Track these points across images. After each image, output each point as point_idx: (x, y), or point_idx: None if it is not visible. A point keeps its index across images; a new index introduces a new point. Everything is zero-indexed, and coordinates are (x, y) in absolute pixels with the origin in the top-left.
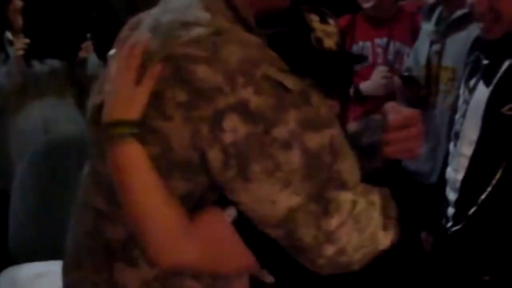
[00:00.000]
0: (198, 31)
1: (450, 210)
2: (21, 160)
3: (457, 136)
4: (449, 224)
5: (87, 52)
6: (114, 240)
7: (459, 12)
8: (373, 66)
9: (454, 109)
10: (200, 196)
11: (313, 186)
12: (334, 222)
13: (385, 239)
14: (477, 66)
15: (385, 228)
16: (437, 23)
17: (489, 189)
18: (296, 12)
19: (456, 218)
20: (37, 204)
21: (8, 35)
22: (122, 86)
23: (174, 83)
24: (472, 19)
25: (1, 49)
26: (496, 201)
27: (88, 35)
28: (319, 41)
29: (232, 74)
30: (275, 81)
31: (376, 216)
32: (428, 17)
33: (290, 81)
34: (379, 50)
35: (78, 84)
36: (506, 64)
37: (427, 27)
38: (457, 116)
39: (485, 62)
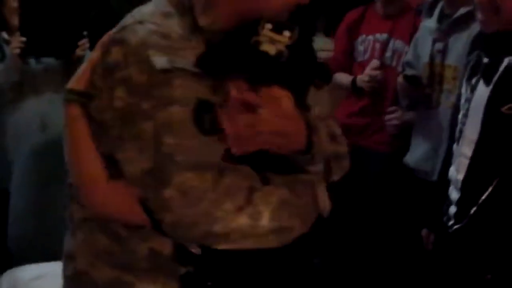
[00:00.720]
0: (127, 20)
1: (452, 209)
2: (19, 158)
3: (459, 135)
4: (451, 222)
5: (84, 50)
6: None
7: (462, 10)
8: (370, 60)
9: (456, 108)
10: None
11: (157, 155)
12: (168, 191)
13: (230, 219)
14: (478, 65)
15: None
16: (439, 20)
17: (490, 188)
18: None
19: (458, 217)
20: (37, 203)
21: (4, 34)
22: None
23: (100, 62)
24: (474, 17)
25: None
26: (497, 200)
27: (85, 33)
28: (257, 43)
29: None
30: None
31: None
32: (429, 13)
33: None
34: (377, 45)
35: None
36: (505, 62)
37: (429, 24)
38: (460, 116)
39: (485, 60)
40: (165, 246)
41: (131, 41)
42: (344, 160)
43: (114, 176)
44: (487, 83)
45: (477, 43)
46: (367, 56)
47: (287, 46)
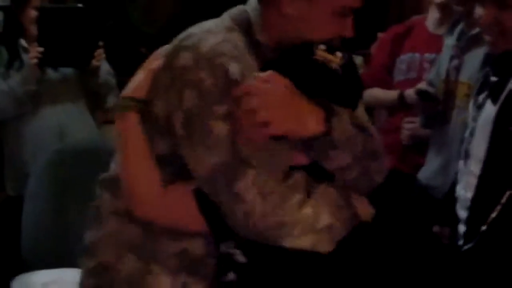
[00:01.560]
0: (193, 30)
1: (461, 228)
2: (35, 167)
3: (466, 154)
4: (461, 242)
5: (99, 60)
6: None
7: (478, 28)
8: (418, 79)
9: (465, 125)
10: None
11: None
12: (241, 185)
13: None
14: (486, 83)
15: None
16: (459, 38)
17: (499, 207)
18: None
19: (467, 236)
20: (50, 211)
21: (23, 42)
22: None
23: (164, 68)
24: None
25: (16, 57)
26: (507, 218)
27: (101, 43)
28: (315, 60)
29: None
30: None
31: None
32: (451, 32)
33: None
34: (426, 65)
35: (91, 92)
36: None
37: (449, 42)
38: (466, 134)
39: (493, 79)
40: (198, 248)
41: (202, 47)
42: (380, 159)
43: (170, 180)
44: (494, 101)
45: (487, 61)
46: (413, 74)
47: (340, 66)
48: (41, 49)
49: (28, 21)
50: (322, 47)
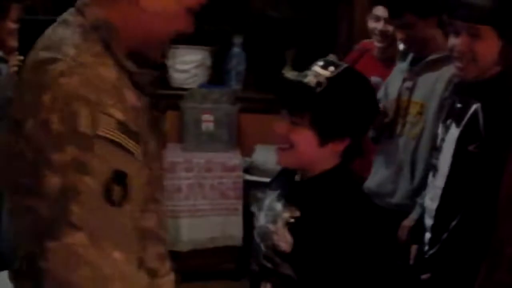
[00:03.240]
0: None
1: (427, 235)
2: None
3: (434, 169)
4: (426, 248)
5: None
6: None
7: (435, 55)
8: None
9: (433, 145)
10: None
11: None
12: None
13: None
14: (452, 109)
15: None
16: (411, 64)
17: (459, 216)
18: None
19: (431, 243)
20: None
21: (0, 53)
22: None
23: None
24: (445, 62)
25: None
26: (465, 226)
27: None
28: (305, 76)
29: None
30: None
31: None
32: (404, 57)
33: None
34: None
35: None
36: (473, 107)
37: (402, 66)
38: (435, 152)
39: (458, 105)
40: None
41: (62, 85)
42: None
43: None
44: (457, 124)
45: (454, 90)
46: None
47: (328, 78)
48: (21, 57)
49: (6, 33)
50: (320, 63)
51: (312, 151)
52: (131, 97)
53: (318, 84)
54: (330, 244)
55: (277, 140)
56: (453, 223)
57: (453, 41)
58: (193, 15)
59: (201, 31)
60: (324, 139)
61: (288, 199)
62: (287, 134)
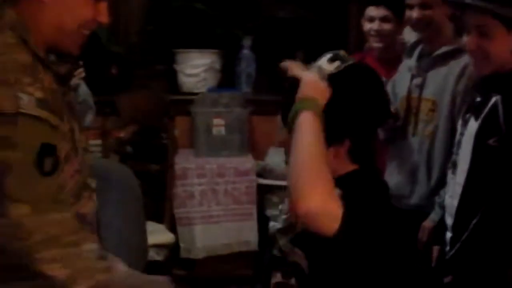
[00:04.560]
0: None
1: (448, 235)
2: None
3: (454, 165)
4: (447, 248)
5: (80, 78)
6: None
7: (443, 49)
8: None
9: (451, 140)
10: None
11: None
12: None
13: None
14: (472, 103)
15: None
16: (418, 59)
17: (479, 214)
18: None
19: (452, 243)
20: None
21: None
22: None
23: None
24: (454, 55)
25: None
26: (486, 225)
27: (81, 62)
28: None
29: None
30: None
31: None
32: (410, 53)
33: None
34: None
35: (70, 110)
36: (493, 100)
37: (409, 63)
38: (454, 148)
39: (478, 99)
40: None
41: None
42: None
43: None
44: (476, 118)
45: (475, 85)
46: None
47: (330, 75)
48: None
49: None
50: (329, 55)
51: None
52: (48, 79)
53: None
54: (351, 245)
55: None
56: (474, 221)
57: (465, 39)
58: (104, 3)
59: (209, 34)
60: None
61: None
62: (288, 142)
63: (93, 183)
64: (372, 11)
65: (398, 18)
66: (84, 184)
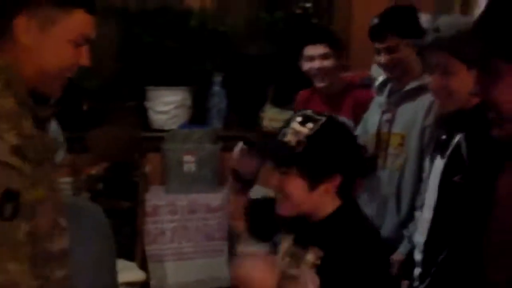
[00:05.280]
0: None
1: (417, 270)
2: None
3: (422, 202)
4: (416, 283)
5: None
6: None
7: (411, 85)
8: None
9: (420, 178)
10: None
11: None
12: None
13: None
14: (438, 141)
15: None
16: (389, 96)
17: (446, 250)
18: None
19: (422, 278)
20: None
21: None
22: None
23: None
24: (422, 91)
25: None
26: (453, 261)
27: (52, 101)
28: (285, 134)
29: None
30: None
31: None
32: (381, 91)
33: None
34: None
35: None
36: (456, 138)
37: (379, 99)
38: (423, 185)
39: (443, 137)
40: None
41: None
42: None
43: None
44: (442, 156)
45: (440, 124)
46: None
47: (307, 137)
48: None
49: None
50: (299, 119)
51: (305, 197)
52: (28, 125)
53: (298, 143)
54: (351, 281)
55: (274, 191)
56: (441, 256)
57: (429, 78)
58: (88, 47)
59: (180, 71)
60: (312, 185)
61: (305, 242)
62: (279, 186)
63: (63, 222)
64: (310, 50)
65: (337, 53)
66: (55, 222)
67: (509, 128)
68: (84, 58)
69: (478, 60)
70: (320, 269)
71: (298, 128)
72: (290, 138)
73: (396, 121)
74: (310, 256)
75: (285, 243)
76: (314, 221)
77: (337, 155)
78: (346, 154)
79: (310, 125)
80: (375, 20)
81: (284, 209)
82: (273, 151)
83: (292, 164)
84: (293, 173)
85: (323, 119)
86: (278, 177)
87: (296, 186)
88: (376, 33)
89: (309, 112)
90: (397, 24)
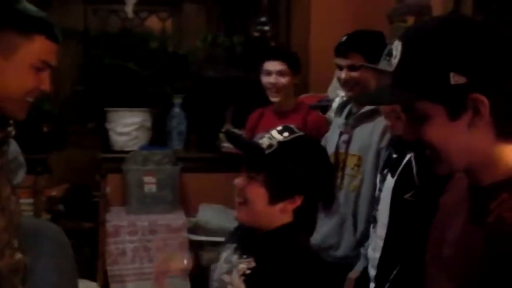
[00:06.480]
0: None
1: (371, 286)
2: None
3: (374, 220)
4: None
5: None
6: None
7: (367, 107)
8: None
9: (373, 196)
10: None
11: None
12: None
13: None
14: (389, 159)
15: None
16: (347, 117)
17: (399, 266)
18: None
19: None
20: None
21: None
22: None
23: None
24: (379, 113)
25: None
26: (405, 276)
27: (11, 120)
28: (260, 137)
29: None
30: None
31: None
32: (340, 112)
33: None
34: None
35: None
36: (407, 157)
37: (338, 121)
38: (374, 202)
39: (394, 156)
40: None
41: None
42: None
43: None
44: (392, 174)
45: (391, 142)
46: None
47: (279, 142)
48: None
49: None
50: (278, 128)
51: (262, 208)
52: None
53: (269, 146)
54: None
55: (237, 194)
56: (394, 272)
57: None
58: (46, 72)
59: (140, 93)
60: (273, 198)
61: (244, 251)
62: (243, 188)
63: (16, 243)
64: (269, 65)
65: (293, 71)
66: (8, 242)
67: (448, 165)
68: (45, 83)
69: (404, 107)
70: (248, 279)
71: (275, 135)
72: (264, 141)
73: (353, 142)
74: (242, 266)
75: (228, 250)
76: (259, 233)
77: (303, 170)
78: (313, 172)
79: (286, 133)
80: (344, 38)
81: (241, 215)
82: (245, 147)
83: (260, 169)
84: (260, 180)
85: (302, 133)
86: (245, 180)
87: (258, 195)
88: (341, 50)
89: (292, 125)
90: (363, 46)
